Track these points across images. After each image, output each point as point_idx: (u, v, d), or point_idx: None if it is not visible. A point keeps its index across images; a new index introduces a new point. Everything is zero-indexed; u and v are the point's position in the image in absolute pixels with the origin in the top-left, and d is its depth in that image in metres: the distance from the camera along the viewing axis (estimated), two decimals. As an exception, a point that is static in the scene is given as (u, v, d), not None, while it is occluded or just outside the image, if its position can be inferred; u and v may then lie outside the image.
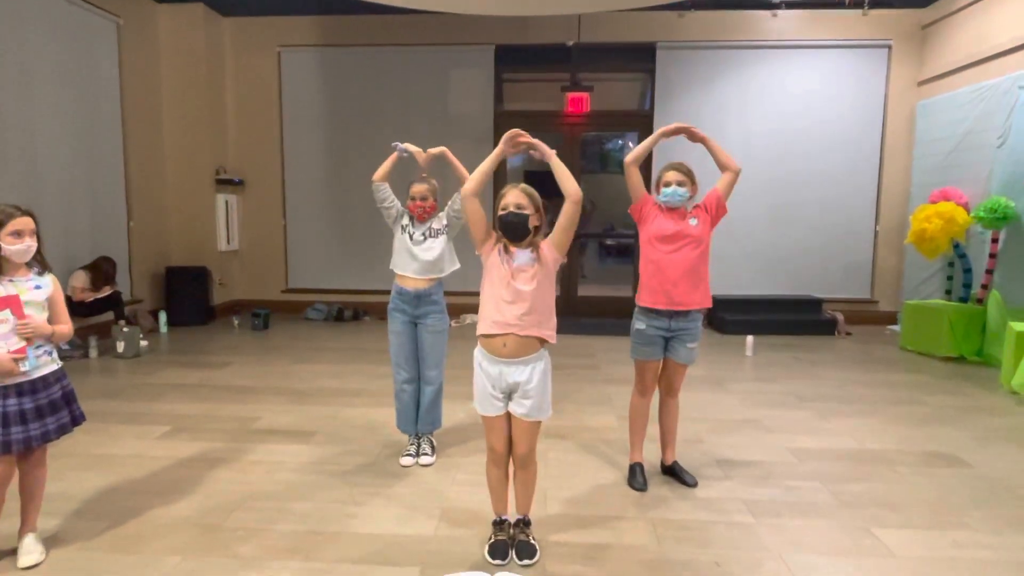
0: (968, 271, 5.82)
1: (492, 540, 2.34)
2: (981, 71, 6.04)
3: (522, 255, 2.21)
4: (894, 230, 7.17)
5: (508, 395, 2.24)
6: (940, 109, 6.51)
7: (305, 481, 2.96)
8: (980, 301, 5.62)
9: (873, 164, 7.18)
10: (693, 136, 2.83)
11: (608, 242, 9.19)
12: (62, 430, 2.24)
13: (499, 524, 2.37)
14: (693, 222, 2.80)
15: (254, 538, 2.44)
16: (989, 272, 5.57)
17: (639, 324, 2.89)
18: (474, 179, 2.24)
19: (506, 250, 2.23)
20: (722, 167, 2.85)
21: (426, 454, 3.20)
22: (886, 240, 7.25)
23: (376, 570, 2.23)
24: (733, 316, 6.78)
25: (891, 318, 7.17)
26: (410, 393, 3.22)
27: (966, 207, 5.74)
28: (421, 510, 2.68)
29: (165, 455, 3.25)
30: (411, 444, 3.25)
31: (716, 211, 2.83)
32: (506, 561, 2.27)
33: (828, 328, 6.75)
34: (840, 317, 6.83)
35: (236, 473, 3.04)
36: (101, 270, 5.62)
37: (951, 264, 6.15)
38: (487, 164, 2.26)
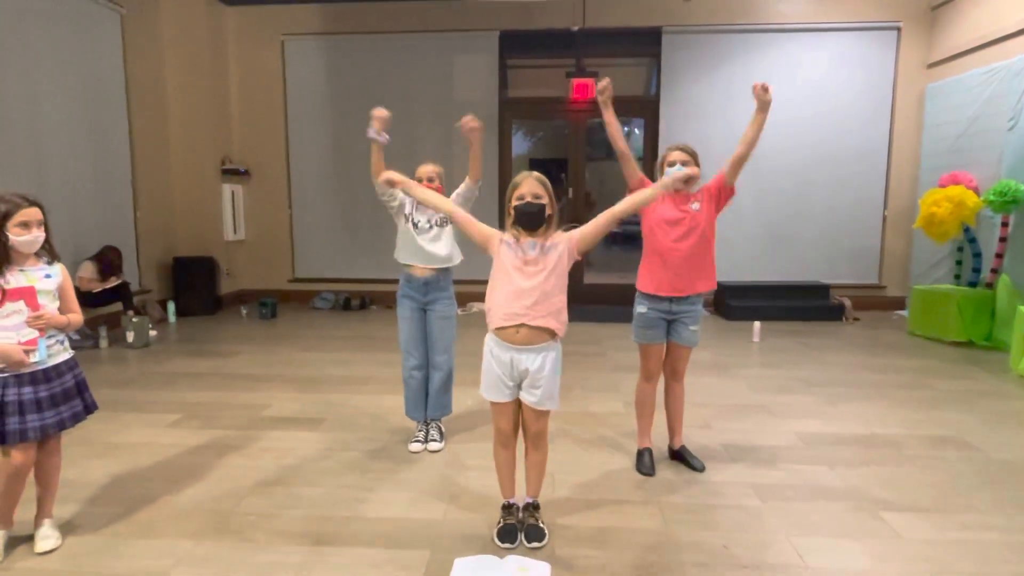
0: (978, 255, 5.78)
1: (501, 524, 2.36)
2: (991, 53, 5.96)
3: (533, 247, 2.20)
4: (903, 214, 7.12)
5: (518, 383, 2.25)
6: (950, 92, 6.43)
7: (315, 467, 2.99)
8: (990, 285, 5.58)
9: (882, 148, 7.12)
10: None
11: (614, 230, 9.17)
12: (76, 418, 2.26)
13: (508, 508, 2.39)
14: (695, 206, 2.77)
15: (266, 523, 2.47)
16: (999, 256, 5.53)
17: (640, 307, 2.89)
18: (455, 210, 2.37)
19: (516, 241, 2.22)
20: (749, 141, 2.74)
21: (435, 440, 3.22)
22: (894, 225, 7.20)
23: (386, 553, 2.25)
24: (740, 302, 6.77)
25: (899, 303, 7.13)
26: (419, 379, 3.24)
27: (976, 191, 5.69)
28: (430, 495, 2.70)
29: (176, 443, 3.28)
30: (419, 430, 3.27)
31: (720, 192, 2.79)
32: (515, 544, 2.29)
33: (835, 314, 6.73)
34: (848, 303, 6.80)
35: (247, 460, 3.07)
36: (107, 260, 5.65)
37: (960, 248, 6.11)
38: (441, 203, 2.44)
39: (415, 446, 3.20)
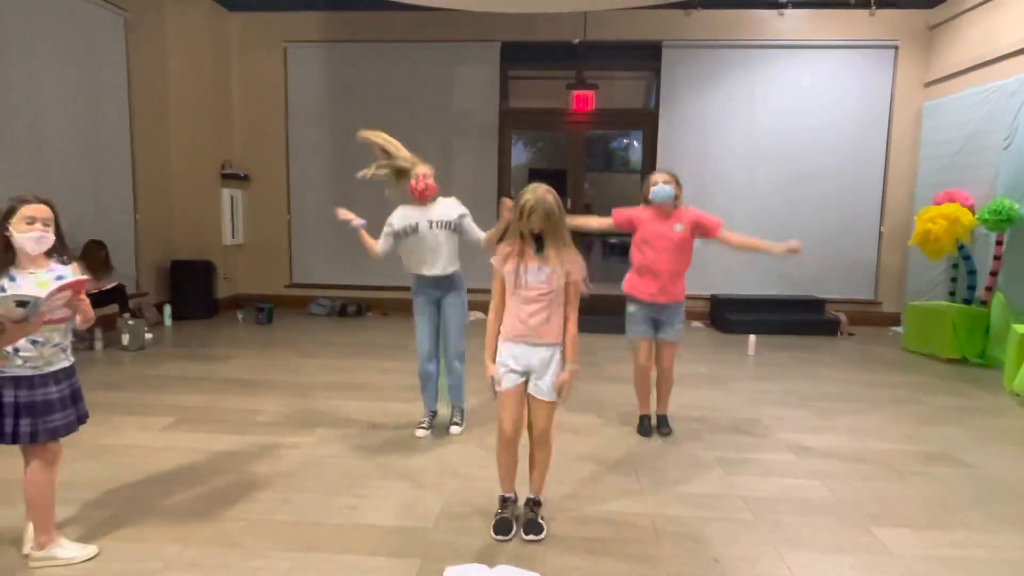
0: (972, 273, 5.81)
1: (497, 516, 2.44)
2: (988, 72, 6.01)
3: (537, 271, 2.33)
4: (899, 231, 7.15)
5: (526, 374, 2.37)
6: (946, 110, 6.49)
7: (307, 473, 2.98)
8: (984, 303, 5.60)
9: (878, 165, 7.17)
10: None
11: (611, 240, 9.19)
12: (69, 428, 2.24)
13: (504, 501, 2.49)
14: (678, 227, 3.30)
15: (256, 529, 2.46)
16: (993, 274, 5.56)
17: (630, 308, 3.44)
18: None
19: (521, 259, 2.33)
20: (742, 247, 3.54)
21: (456, 423, 3.48)
22: (890, 241, 7.23)
23: (377, 561, 2.25)
24: (736, 316, 6.78)
25: (894, 319, 7.15)
26: (433, 371, 3.49)
27: (972, 209, 5.72)
28: (423, 502, 2.70)
29: (168, 446, 3.28)
30: (425, 416, 3.53)
31: (702, 230, 3.35)
32: (509, 537, 2.37)
33: (831, 329, 6.74)
34: (843, 318, 6.82)
35: (239, 465, 3.06)
36: (94, 255, 5.40)
37: (955, 266, 6.13)
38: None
39: (421, 432, 3.44)
